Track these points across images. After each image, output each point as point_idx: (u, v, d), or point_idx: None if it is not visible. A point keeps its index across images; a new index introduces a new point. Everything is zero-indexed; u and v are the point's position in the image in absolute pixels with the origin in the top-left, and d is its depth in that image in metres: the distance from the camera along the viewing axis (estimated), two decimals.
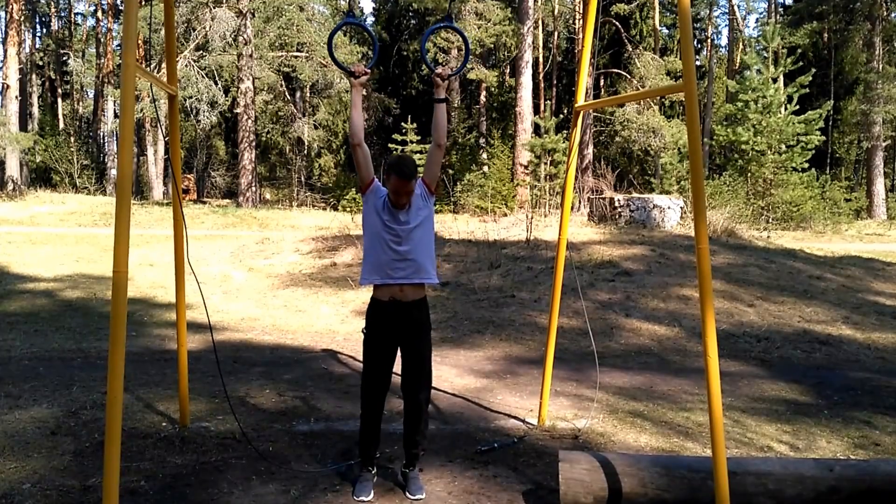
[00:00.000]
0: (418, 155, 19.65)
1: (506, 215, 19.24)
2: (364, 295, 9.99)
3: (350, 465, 4.09)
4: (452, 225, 14.82)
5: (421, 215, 3.69)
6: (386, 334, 3.72)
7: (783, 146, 20.39)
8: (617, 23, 29.06)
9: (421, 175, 3.81)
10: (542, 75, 31.97)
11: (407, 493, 3.71)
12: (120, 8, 33.98)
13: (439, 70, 3.82)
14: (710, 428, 3.18)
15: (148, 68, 20.75)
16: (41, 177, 33.01)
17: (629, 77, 28.22)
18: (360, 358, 6.85)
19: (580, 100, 4.79)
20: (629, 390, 6.02)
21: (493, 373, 6.53)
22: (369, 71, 3.75)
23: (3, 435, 4.38)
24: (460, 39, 25.86)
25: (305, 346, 7.52)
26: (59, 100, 42.46)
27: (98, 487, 3.62)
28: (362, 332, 3.82)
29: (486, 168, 26.72)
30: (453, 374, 6.38)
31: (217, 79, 24.99)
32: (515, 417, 5.15)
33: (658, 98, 28.29)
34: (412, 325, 3.72)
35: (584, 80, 4.88)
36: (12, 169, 25.80)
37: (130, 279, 10.53)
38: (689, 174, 3.73)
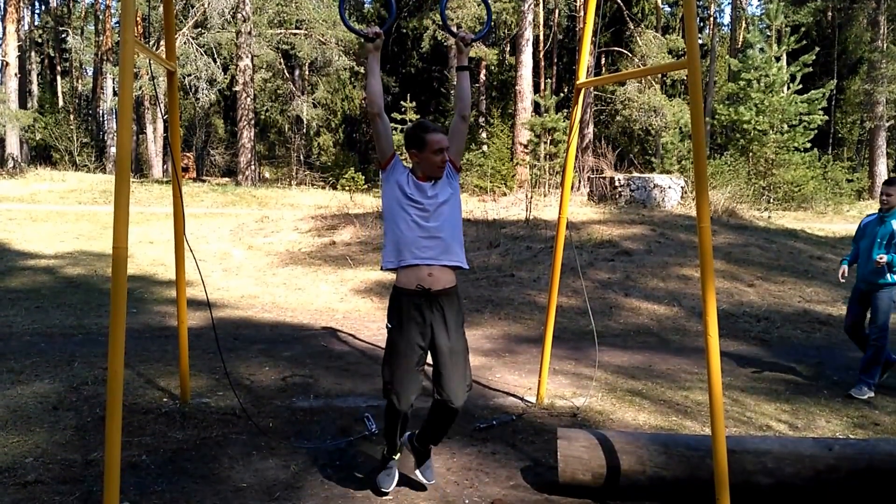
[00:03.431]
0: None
1: (505, 195, 19.19)
2: (362, 274, 9.99)
3: (350, 441, 4.12)
4: None
5: (447, 192, 3.32)
6: (414, 326, 3.23)
7: (785, 126, 20.28)
8: (618, 0, 28.76)
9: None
10: (542, 53, 31.69)
11: (419, 474, 3.54)
12: None
13: (461, 34, 3.45)
14: (709, 406, 3.18)
15: (147, 45, 20.56)
16: (41, 154, 32.81)
17: (630, 55, 27.98)
18: (359, 336, 6.94)
19: (582, 77, 4.75)
20: (628, 369, 6.04)
21: (491, 351, 6.55)
22: (383, 33, 3.33)
23: (6, 409, 4.41)
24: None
25: (305, 324, 7.53)
26: (59, 77, 42.04)
27: (100, 461, 3.65)
28: (386, 327, 3.34)
29: (485, 147, 26.56)
30: None
31: (216, 56, 24.75)
32: (514, 395, 5.17)
33: (659, 77, 28.07)
34: (445, 316, 3.26)
35: (586, 56, 4.83)
36: (12, 146, 25.67)
37: (131, 256, 10.57)
38: (691, 153, 3.70)
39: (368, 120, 3.45)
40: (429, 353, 3.31)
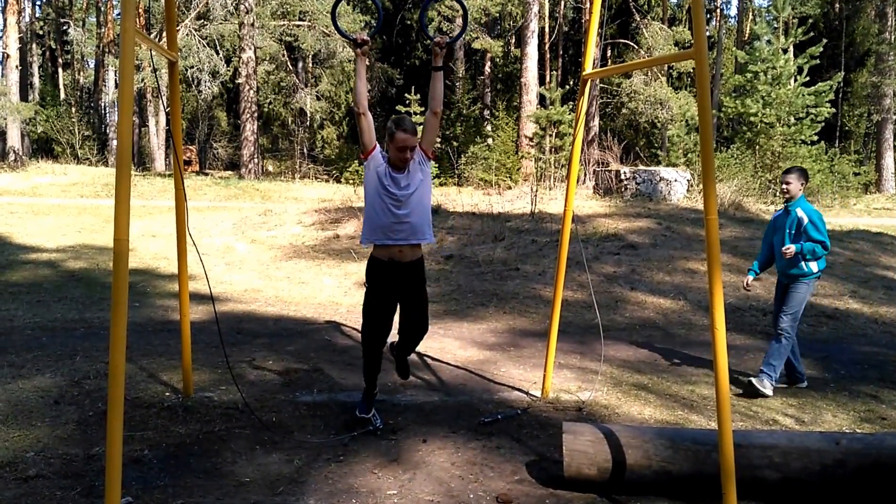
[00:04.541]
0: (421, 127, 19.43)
1: (510, 188, 19.11)
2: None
3: (353, 436, 4.10)
4: (456, 198, 14.73)
5: (418, 179, 3.91)
6: (386, 290, 4.02)
7: (792, 118, 20.12)
8: None
9: (419, 141, 3.96)
10: (547, 45, 31.54)
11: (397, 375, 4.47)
12: None
13: (437, 38, 3.98)
14: (716, 400, 3.16)
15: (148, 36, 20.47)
16: (42, 147, 32.65)
17: (636, 47, 27.82)
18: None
19: (588, 68, 4.69)
20: (634, 363, 6.01)
21: (496, 345, 6.52)
22: (370, 39, 3.88)
23: (7, 404, 4.39)
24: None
25: (308, 318, 7.50)
26: (60, 70, 41.85)
27: (102, 456, 3.63)
28: (364, 285, 4.12)
29: (490, 140, 26.46)
30: (456, 346, 6.36)
31: (218, 48, 24.58)
32: (519, 389, 5.14)
33: (665, 69, 27.89)
34: (410, 281, 4.02)
35: (592, 47, 4.77)
36: (13, 139, 25.54)
37: (133, 250, 10.58)
38: (697, 146, 3.64)
39: (354, 118, 3.98)
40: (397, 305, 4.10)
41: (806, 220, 5.18)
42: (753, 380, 5.17)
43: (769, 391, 5.14)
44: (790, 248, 5.13)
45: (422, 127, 4.14)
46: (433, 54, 4.03)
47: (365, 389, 4.28)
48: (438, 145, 23.97)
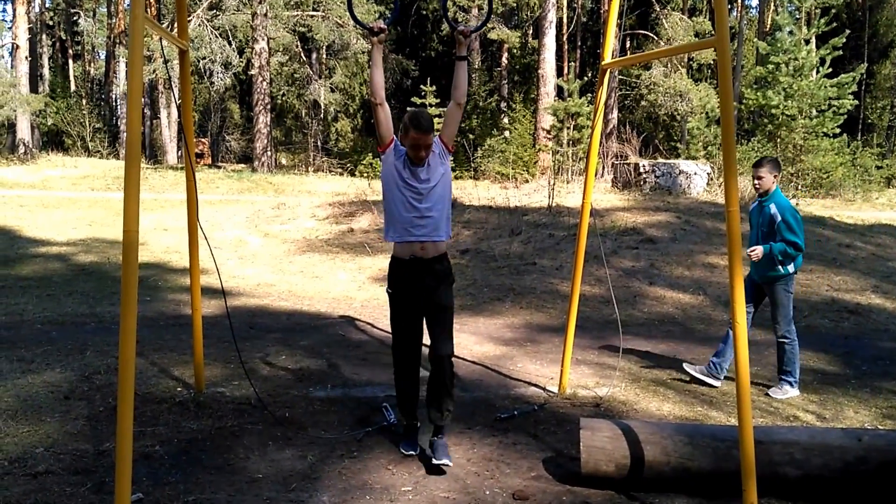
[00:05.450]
0: (438, 119, 19.36)
1: (527, 181, 18.98)
2: (381, 261, 9.91)
3: (367, 432, 4.04)
4: (473, 191, 14.63)
5: (439, 173, 3.69)
6: (410, 290, 3.70)
7: (814, 111, 19.78)
8: None
9: (439, 133, 3.76)
10: (566, 36, 31.23)
11: (433, 460, 3.59)
12: None
13: (461, 27, 3.79)
14: (737, 395, 3.10)
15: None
16: (53, 140, 32.56)
17: (656, 39, 27.48)
18: (378, 325, 6.85)
19: (607, 57, 4.61)
20: (652, 359, 5.93)
21: (513, 340, 6.45)
22: (386, 28, 3.71)
23: (16, 399, 4.36)
24: None
25: (322, 313, 7.46)
26: (71, 61, 41.60)
27: (112, 452, 3.59)
28: (387, 291, 3.79)
29: (507, 133, 26.29)
30: (472, 341, 6.29)
31: (231, 39, 24.41)
32: (536, 385, 5.08)
33: (686, 61, 27.55)
34: (434, 277, 3.70)
35: (612, 36, 4.67)
36: (23, 132, 25.23)
37: (145, 244, 10.58)
38: (717, 139, 3.53)
39: (371, 108, 3.77)
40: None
41: (779, 219, 4.85)
42: (771, 391, 5.05)
43: (794, 392, 5.03)
44: (756, 250, 4.84)
45: (443, 118, 3.89)
46: (457, 43, 3.81)
47: (405, 423, 3.89)
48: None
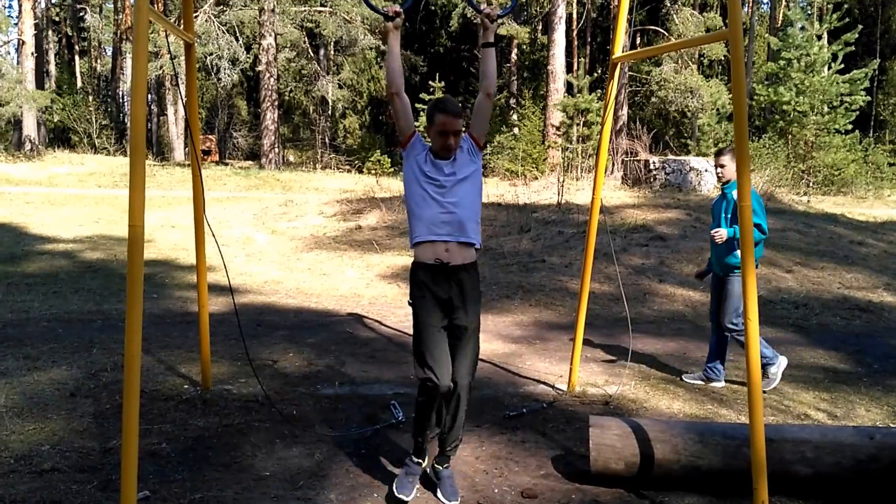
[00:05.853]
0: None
1: (536, 178, 18.91)
2: (389, 259, 9.88)
3: (375, 430, 4.01)
4: (482, 188, 14.58)
5: (468, 170, 3.28)
6: (435, 300, 3.20)
7: (826, 107, 19.64)
8: None
9: (468, 128, 3.40)
10: (575, 32, 31.06)
11: (440, 496, 3.24)
12: None
13: (487, 10, 3.41)
14: (748, 393, 3.07)
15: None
16: (59, 137, 32.44)
17: (667, 35, 27.31)
18: (386, 322, 6.82)
19: (617, 51, 4.56)
20: (662, 356, 5.89)
21: (521, 338, 6.42)
22: (402, 12, 3.35)
23: (22, 396, 4.36)
24: None
25: (330, 310, 7.44)
26: (77, 57, 41.46)
27: (118, 449, 3.57)
28: (409, 303, 3.32)
29: (516, 129, 26.20)
30: (481, 338, 6.20)
31: (238, 35, 24.31)
32: (545, 383, 5.05)
33: (696, 57, 27.38)
34: (461, 290, 3.23)
35: (622, 30, 4.62)
36: (29, 128, 25.06)
37: (152, 241, 10.58)
38: (728, 135, 3.48)
39: (388, 99, 3.42)
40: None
41: None
42: (686, 376, 5.20)
43: (704, 384, 5.15)
44: (720, 232, 4.80)
45: (472, 111, 3.46)
46: (483, 28, 3.45)
47: (413, 445, 3.34)
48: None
